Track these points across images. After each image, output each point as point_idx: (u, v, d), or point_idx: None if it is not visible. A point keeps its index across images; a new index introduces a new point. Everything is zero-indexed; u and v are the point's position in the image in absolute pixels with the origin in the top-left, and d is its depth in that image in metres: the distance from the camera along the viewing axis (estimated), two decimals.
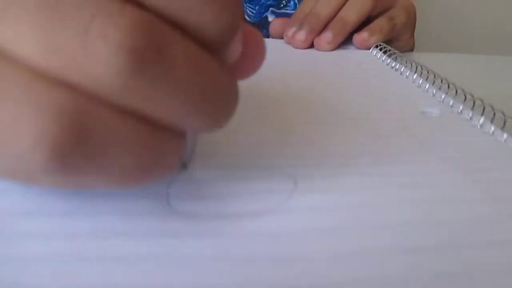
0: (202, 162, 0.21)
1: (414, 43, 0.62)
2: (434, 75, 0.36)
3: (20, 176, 0.13)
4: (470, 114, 0.29)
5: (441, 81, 0.34)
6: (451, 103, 0.31)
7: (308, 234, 0.16)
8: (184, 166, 0.19)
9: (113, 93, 0.12)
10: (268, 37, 0.54)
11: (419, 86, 0.36)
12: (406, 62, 0.40)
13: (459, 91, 0.32)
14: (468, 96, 0.31)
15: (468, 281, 0.15)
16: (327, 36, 0.47)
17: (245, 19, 0.62)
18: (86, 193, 0.17)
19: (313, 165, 0.21)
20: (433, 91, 0.34)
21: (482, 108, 0.29)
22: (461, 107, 0.30)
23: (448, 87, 0.33)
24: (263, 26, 0.61)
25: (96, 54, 0.12)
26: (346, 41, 0.49)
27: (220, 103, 0.15)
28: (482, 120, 0.28)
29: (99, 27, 0.12)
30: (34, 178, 0.13)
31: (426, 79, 0.36)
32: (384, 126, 0.27)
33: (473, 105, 0.30)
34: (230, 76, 0.15)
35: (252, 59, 0.17)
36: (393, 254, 0.16)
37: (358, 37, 0.49)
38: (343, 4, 0.49)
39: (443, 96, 0.32)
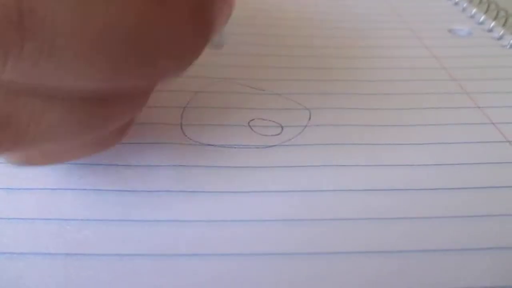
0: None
1: None
2: None
3: None
4: (501, 32, 0.27)
5: None
6: (481, 19, 0.29)
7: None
8: (220, 45, 0.18)
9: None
10: None
11: None
12: None
13: (491, 6, 0.30)
14: (501, 13, 0.29)
15: None
16: None
17: None
18: None
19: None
20: (463, 6, 0.31)
21: None
22: (492, 24, 0.28)
23: (480, 1, 0.31)
24: None
25: None
26: None
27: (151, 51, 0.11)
28: None
29: None
30: None
31: None
32: (406, 45, 0.26)
33: (505, 22, 0.28)
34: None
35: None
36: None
37: None
38: None
39: (473, 11, 0.30)
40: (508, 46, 0.26)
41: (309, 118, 0.19)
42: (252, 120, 0.19)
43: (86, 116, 0.12)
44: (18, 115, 0.10)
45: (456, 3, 0.32)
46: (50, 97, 0.11)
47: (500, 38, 0.27)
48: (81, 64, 0.10)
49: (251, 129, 0.18)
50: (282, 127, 0.19)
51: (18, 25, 0.09)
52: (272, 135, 0.18)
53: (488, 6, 0.30)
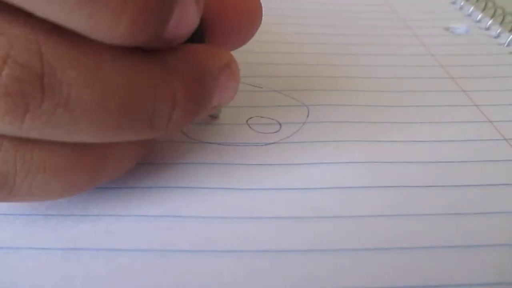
0: None
1: None
2: None
3: None
4: (498, 31, 0.27)
5: None
6: (478, 17, 0.29)
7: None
8: (215, 116, 0.19)
9: (12, 133, 0.11)
10: None
11: None
12: None
13: (489, 4, 0.30)
14: (499, 11, 0.29)
15: None
16: None
17: None
18: None
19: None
20: (460, 4, 0.32)
21: None
22: (489, 22, 0.28)
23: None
24: None
25: None
26: None
27: (144, 112, 0.12)
28: (510, 37, 0.26)
29: None
30: None
31: None
32: (403, 43, 0.26)
33: (502, 20, 0.28)
34: (162, 72, 0.12)
35: (240, 20, 0.15)
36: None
37: None
38: None
39: (470, 10, 0.30)
40: (505, 44, 0.26)
41: (308, 115, 0.19)
42: (251, 118, 0.19)
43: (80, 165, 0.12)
44: (15, 171, 0.11)
45: (453, 2, 0.33)
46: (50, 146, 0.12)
47: (497, 36, 0.27)
48: (88, 119, 0.11)
49: (250, 127, 0.18)
50: (280, 125, 0.19)
51: (40, 83, 0.10)
52: (270, 133, 0.18)
53: (486, 5, 0.30)
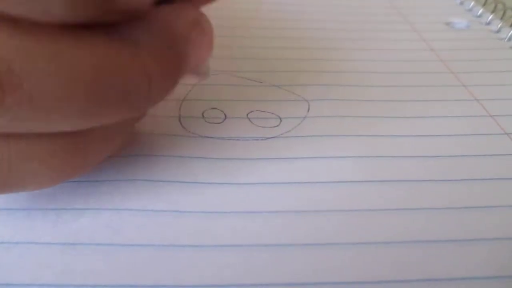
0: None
1: None
2: None
3: None
4: (499, 26, 0.27)
5: None
6: (479, 12, 0.29)
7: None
8: (205, 76, 0.18)
9: None
10: None
11: None
12: None
13: None
14: (499, 6, 0.29)
15: None
16: None
17: None
18: None
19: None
20: None
21: None
22: (489, 17, 0.28)
23: None
24: None
25: None
26: None
27: (119, 95, 0.11)
28: (511, 32, 0.26)
29: None
30: None
31: None
32: (403, 38, 0.26)
33: (503, 15, 0.28)
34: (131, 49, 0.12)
35: None
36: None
37: None
38: None
39: (471, 4, 0.30)
40: (506, 39, 0.26)
41: (308, 110, 0.19)
42: (251, 112, 0.19)
43: (67, 153, 0.12)
44: (3, 164, 0.11)
45: None
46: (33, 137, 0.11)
47: (498, 31, 0.27)
48: (57, 109, 0.11)
49: (250, 121, 0.18)
50: (280, 119, 0.18)
51: None
52: (271, 127, 0.18)
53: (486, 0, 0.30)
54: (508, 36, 0.26)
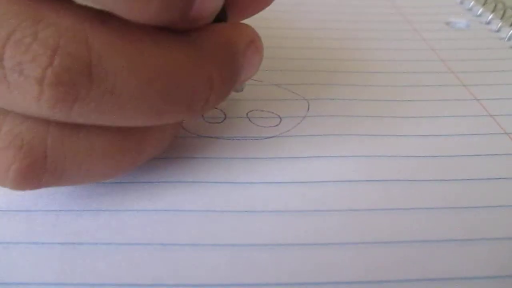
0: None
1: None
2: None
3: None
4: (499, 25, 0.27)
5: None
6: (479, 12, 0.29)
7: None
8: (240, 90, 0.19)
9: (60, 119, 0.11)
10: None
11: None
12: None
13: None
14: (499, 5, 0.28)
15: None
16: None
17: None
18: None
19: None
20: None
21: None
22: (489, 17, 0.28)
23: None
24: None
25: (19, 90, 0.10)
26: None
27: (185, 96, 0.12)
28: (511, 32, 0.26)
29: (11, 54, 0.10)
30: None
31: None
32: (403, 38, 0.26)
33: (503, 15, 0.28)
34: (196, 54, 0.13)
35: None
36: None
37: None
38: None
39: (471, 4, 0.30)
40: (506, 39, 0.26)
41: (308, 109, 0.19)
42: (251, 111, 0.19)
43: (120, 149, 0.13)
44: (64, 156, 0.12)
45: None
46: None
47: (498, 30, 0.27)
48: (133, 105, 0.11)
49: (250, 120, 0.18)
50: (280, 118, 0.18)
51: (88, 73, 0.10)
52: (270, 126, 0.18)
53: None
54: (508, 36, 0.26)
